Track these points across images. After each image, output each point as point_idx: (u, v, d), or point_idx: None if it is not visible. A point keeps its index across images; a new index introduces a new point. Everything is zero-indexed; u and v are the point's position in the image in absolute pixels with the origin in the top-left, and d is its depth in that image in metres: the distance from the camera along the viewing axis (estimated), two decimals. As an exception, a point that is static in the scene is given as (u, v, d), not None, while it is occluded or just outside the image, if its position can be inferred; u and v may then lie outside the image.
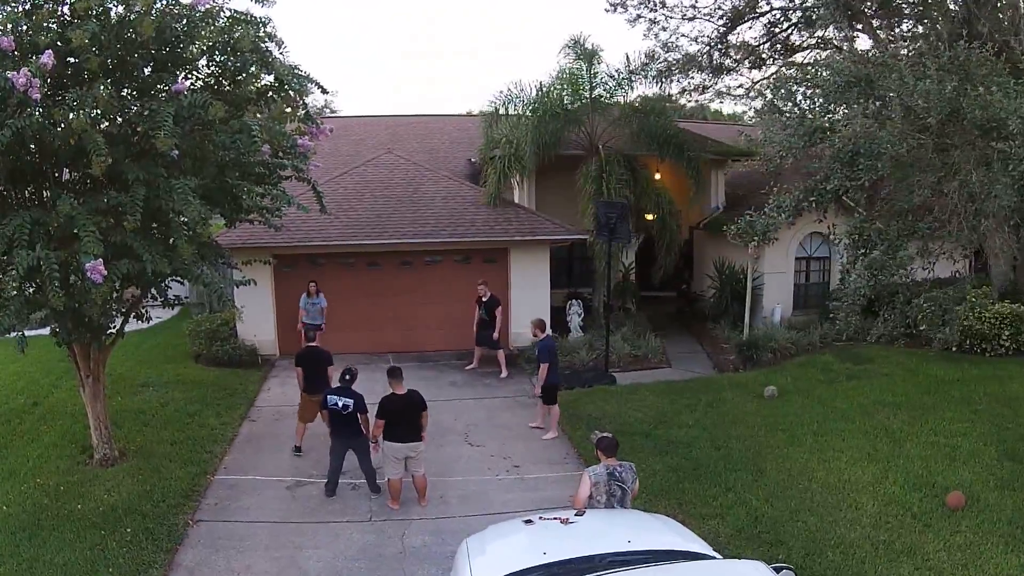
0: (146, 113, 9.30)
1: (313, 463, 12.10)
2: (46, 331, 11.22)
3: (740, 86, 28.79)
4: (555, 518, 7.43)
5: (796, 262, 21.26)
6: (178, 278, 10.99)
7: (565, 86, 20.00)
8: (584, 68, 20.21)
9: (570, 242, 19.75)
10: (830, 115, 12.76)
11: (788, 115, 13.43)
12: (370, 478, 10.98)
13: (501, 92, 20.30)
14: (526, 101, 19.89)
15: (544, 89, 19.86)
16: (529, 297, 18.76)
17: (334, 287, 18.26)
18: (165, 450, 12.35)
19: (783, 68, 22.96)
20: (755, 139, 19.32)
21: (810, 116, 12.81)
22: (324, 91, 11.33)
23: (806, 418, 13.56)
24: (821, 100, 12.84)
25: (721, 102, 33.11)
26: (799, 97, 13.51)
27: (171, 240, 9.42)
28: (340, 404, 10.57)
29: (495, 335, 16.99)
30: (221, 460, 12.26)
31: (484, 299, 16.97)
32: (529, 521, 7.46)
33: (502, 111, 20.33)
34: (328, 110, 38.76)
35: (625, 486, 8.16)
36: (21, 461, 11.91)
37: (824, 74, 13.11)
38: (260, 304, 17.94)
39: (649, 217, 20.35)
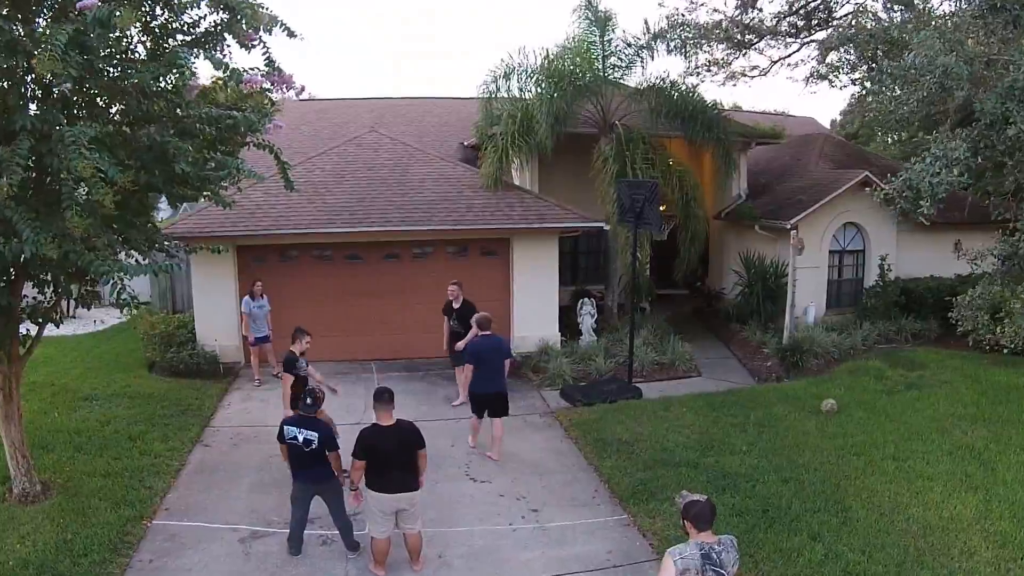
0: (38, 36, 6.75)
1: (273, 506, 9.50)
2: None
3: (755, 67, 26.52)
4: None
5: (829, 256, 19.17)
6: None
7: (575, 56, 17.42)
8: (597, 34, 17.73)
9: (581, 231, 17.21)
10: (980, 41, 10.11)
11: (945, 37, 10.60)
12: (345, 533, 8.37)
13: (501, 61, 17.80)
14: (530, 71, 17.33)
15: (551, 57, 17.31)
16: (535, 295, 16.34)
17: (307, 284, 15.79)
18: (96, 484, 9.86)
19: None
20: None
21: (971, 39, 10.13)
22: (292, 35, 8.73)
23: (878, 438, 11.72)
24: (970, 24, 10.14)
25: (734, 84, 30.98)
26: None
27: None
28: (301, 438, 7.96)
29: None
30: (162, 499, 9.73)
31: (456, 305, 13.38)
32: None
33: (502, 84, 17.69)
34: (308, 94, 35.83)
35: (725, 571, 5.55)
36: (-68, 496, 9.40)
37: None
38: (221, 304, 15.38)
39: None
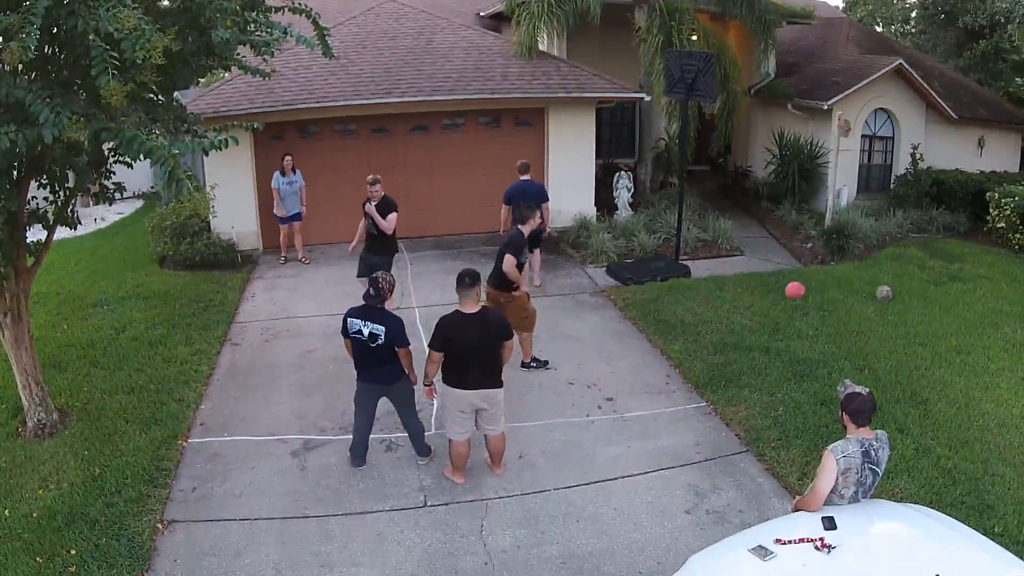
0: None
1: (322, 409, 8.68)
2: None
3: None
4: (801, 539, 4.58)
5: (860, 140, 18.27)
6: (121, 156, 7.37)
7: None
8: None
9: (614, 103, 16.24)
10: None
11: None
12: (416, 437, 7.60)
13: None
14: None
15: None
16: (571, 168, 15.41)
17: (331, 161, 14.68)
18: (119, 403, 8.68)
19: None
20: None
21: None
22: None
23: (937, 329, 11.18)
24: None
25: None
26: None
27: (95, 81, 5.58)
28: (366, 332, 7.02)
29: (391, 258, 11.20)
30: (196, 412, 8.65)
31: (375, 203, 10.91)
32: (762, 549, 4.54)
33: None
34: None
35: (879, 469, 5.10)
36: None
37: None
38: (238, 187, 14.16)
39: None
